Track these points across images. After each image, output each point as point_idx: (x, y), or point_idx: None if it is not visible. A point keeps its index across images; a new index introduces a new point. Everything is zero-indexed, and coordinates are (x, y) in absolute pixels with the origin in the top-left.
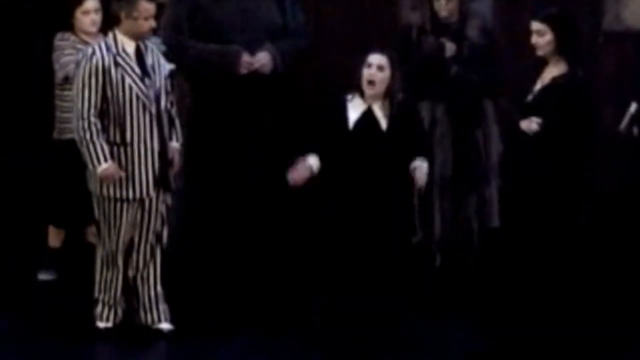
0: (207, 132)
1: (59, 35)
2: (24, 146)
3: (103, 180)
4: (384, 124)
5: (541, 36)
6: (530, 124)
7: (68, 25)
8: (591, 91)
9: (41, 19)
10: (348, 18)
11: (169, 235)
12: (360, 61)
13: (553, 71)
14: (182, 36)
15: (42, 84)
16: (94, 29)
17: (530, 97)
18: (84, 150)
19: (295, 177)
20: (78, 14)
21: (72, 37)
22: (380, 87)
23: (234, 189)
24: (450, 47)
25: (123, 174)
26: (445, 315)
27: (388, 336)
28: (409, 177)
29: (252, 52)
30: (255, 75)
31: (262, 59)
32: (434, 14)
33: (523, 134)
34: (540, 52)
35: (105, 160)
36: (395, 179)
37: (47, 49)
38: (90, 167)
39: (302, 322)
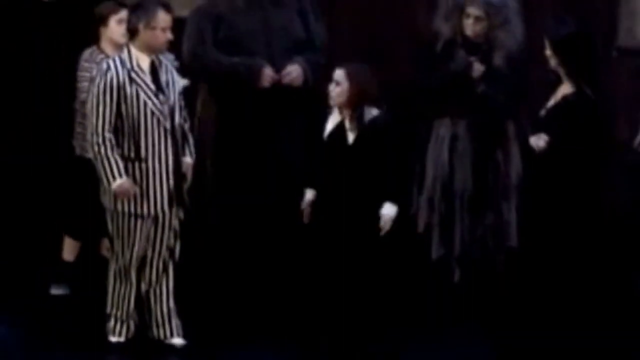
0: (232, 146)
1: (86, 55)
2: (39, 156)
3: (118, 195)
4: (350, 137)
5: (547, 50)
6: (538, 141)
7: (92, 36)
8: (600, 111)
9: (42, 19)
10: (361, 30)
11: (184, 249)
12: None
13: (565, 89)
14: (205, 47)
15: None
16: (124, 40)
17: (542, 113)
18: (98, 165)
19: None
20: (112, 22)
21: (100, 56)
22: (338, 101)
23: (257, 202)
24: (478, 68)
25: (138, 190)
26: (456, 332)
27: (398, 349)
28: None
29: (276, 65)
30: (285, 88)
31: (294, 72)
32: (462, 30)
33: (534, 151)
34: (551, 64)
35: (120, 175)
36: (361, 192)
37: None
38: (105, 182)
39: (313, 336)
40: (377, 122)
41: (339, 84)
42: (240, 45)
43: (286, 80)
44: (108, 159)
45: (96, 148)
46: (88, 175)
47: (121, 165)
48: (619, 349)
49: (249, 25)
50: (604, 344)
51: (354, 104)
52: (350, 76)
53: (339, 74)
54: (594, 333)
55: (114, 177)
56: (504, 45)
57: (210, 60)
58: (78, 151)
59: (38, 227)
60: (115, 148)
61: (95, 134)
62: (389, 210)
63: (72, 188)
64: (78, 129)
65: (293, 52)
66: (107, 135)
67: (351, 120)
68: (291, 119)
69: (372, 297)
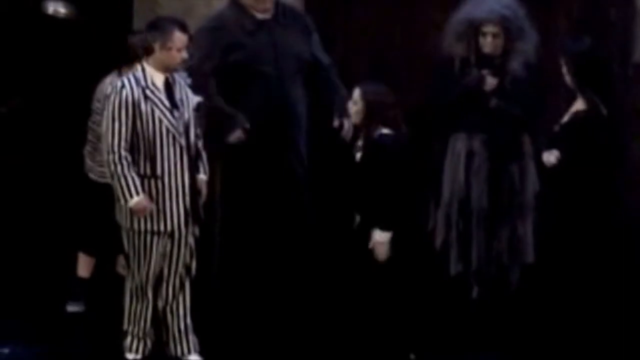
0: (242, 167)
1: (106, 86)
2: (52, 176)
3: (135, 213)
4: (358, 156)
5: (565, 74)
6: (550, 157)
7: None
8: (614, 127)
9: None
10: (375, 46)
11: (200, 268)
12: None
13: (578, 105)
14: (205, 75)
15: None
16: None
17: (556, 129)
18: (115, 183)
19: None
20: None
21: None
22: (355, 119)
23: (269, 222)
24: (490, 82)
25: (155, 207)
26: (473, 349)
27: None
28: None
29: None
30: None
31: (350, 129)
32: (478, 48)
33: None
34: (566, 81)
35: (137, 193)
36: (364, 211)
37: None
38: (122, 200)
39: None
40: (379, 142)
41: (356, 103)
42: (252, 65)
43: (348, 138)
44: (125, 177)
45: (112, 167)
46: (99, 193)
47: (138, 182)
48: None
49: (259, 45)
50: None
51: (367, 123)
52: (364, 95)
53: (356, 93)
54: (611, 350)
55: (131, 195)
56: (522, 52)
57: (199, 88)
58: (87, 167)
59: (53, 243)
60: (131, 166)
61: (112, 152)
62: (379, 237)
63: (84, 204)
64: (88, 147)
65: (300, 73)
66: (124, 153)
67: (363, 139)
68: (296, 132)
69: (381, 316)
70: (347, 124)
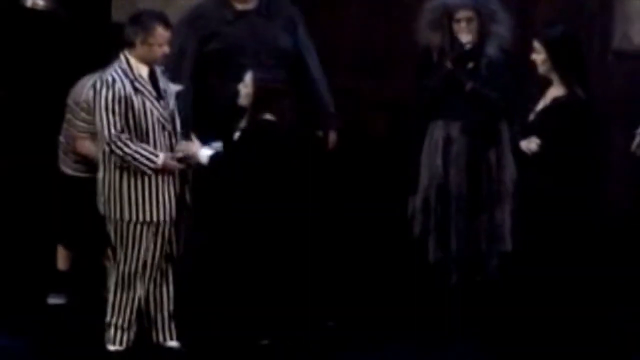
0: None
1: (97, 80)
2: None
3: (170, 170)
4: (237, 135)
5: (537, 54)
6: (530, 144)
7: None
8: (594, 113)
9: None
10: (359, 40)
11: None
12: None
13: (554, 92)
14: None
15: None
16: None
17: (532, 117)
18: (133, 162)
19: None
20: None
21: None
22: (243, 101)
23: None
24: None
25: (147, 196)
26: (451, 338)
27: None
28: None
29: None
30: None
31: (333, 140)
32: (453, 36)
33: (526, 155)
34: (540, 70)
35: (157, 155)
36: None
37: None
38: (148, 170)
39: (314, 343)
40: (259, 126)
41: (246, 86)
42: (231, 55)
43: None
44: (136, 151)
45: (119, 151)
46: (72, 186)
47: (149, 147)
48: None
49: (238, 35)
50: (598, 350)
51: (254, 107)
52: (255, 81)
53: (248, 77)
54: (587, 339)
55: (152, 161)
56: (497, 35)
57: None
58: (60, 160)
59: (35, 236)
60: (133, 139)
61: (111, 142)
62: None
63: (59, 197)
64: (61, 139)
65: (280, 62)
66: (122, 135)
67: (246, 120)
68: None
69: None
70: (332, 136)
